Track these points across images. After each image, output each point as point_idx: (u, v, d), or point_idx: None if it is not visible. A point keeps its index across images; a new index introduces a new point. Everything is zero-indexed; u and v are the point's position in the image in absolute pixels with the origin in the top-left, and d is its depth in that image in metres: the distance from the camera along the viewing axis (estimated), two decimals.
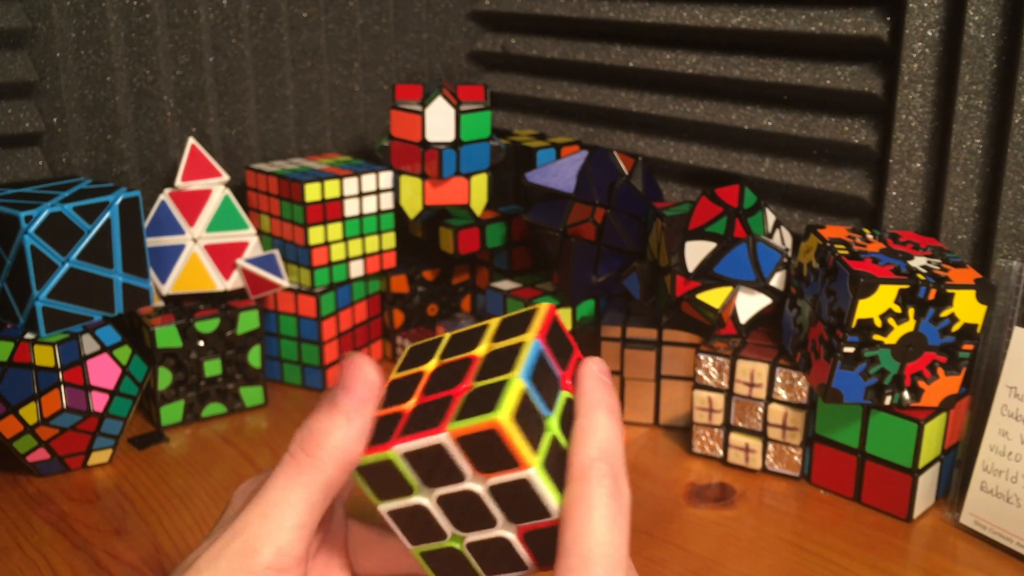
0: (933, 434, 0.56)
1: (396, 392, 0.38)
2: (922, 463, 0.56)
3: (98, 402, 0.62)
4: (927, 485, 0.57)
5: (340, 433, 0.35)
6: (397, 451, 0.34)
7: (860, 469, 0.59)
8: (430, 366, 0.38)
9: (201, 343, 0.69)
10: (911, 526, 0.57)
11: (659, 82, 0.79)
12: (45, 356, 0.59)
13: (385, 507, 0.36)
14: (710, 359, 0.62)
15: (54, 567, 0.53)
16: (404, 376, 0.39)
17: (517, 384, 0.34)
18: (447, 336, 0.40)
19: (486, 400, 0.34)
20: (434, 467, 0.34)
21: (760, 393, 0.61)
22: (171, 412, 0.69)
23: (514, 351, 0.36)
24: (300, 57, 0.81)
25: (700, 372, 0.63)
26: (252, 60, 0.78)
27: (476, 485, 0.34)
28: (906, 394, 0.56)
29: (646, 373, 0.68)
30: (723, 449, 0.64)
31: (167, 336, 0.68)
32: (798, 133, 0.69)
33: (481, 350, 0.37)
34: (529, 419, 0.34)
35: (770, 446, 0.62)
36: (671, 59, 0.76)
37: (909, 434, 0.56)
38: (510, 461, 0.33)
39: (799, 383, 0.60)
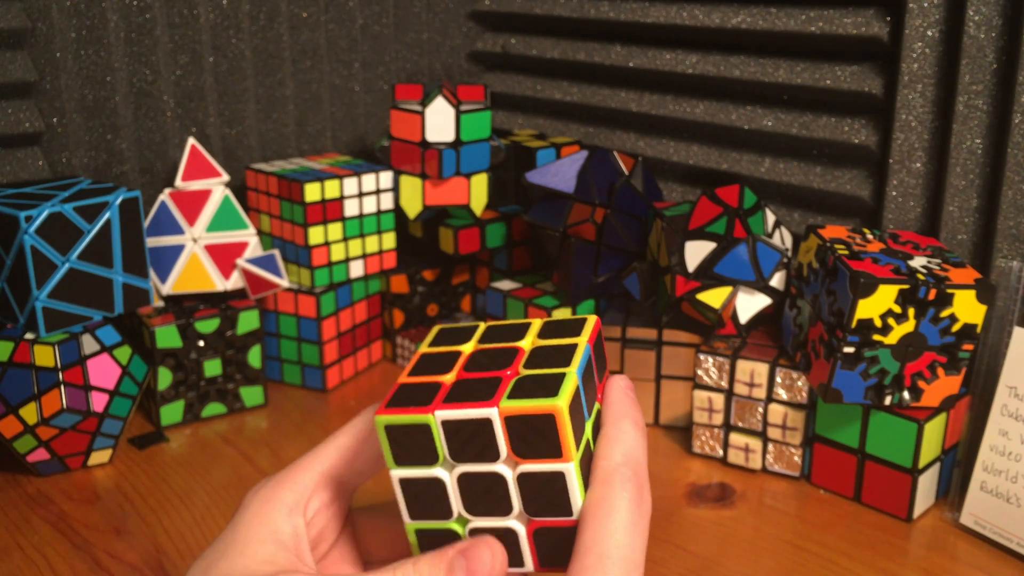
0: (933, 434, 0.56)
1: (429, 365, 0.38)
2: (922, 463, 0.56)
3: (98, 402, 0.62)
4: (927, 485, 0.57)
5: None
6: (439, 416, 0.34)
7: (860, 469, 0.59)
8: (467, 348, 0.39)
9: (201, 343, 0.69)
10: (911, 526, 0.57)
11: (659, 82, 0.79)
12: (45, 356, 0.59)
13: (400, 473, 0.36)
14: (710, 359, 0.62)
15: (54, 567, 0.53)
16: (437, 352, 0.39)
17: (574, 378, 0.34)
18: (483, 325, 0.40)
19: (543, 387, 0.34)
20: (470, 441, 0.34)
21: (760, 393, 0.61)
22: (171, 412, 0.69)
23: (568, 350, 0.36)
24: (300, 57, 0.81)
25: (700, 372, 0.63)
26: (252, 60, 0.78)
27: (507, 469, 0.34)
28: (906, 394, 0.56)
29: (646, 373, 0.68)
30: (723, 449, 0.64)
31: (167, 336, 0.68)
32: (798, 133, 0.69)
33: (527, 344, 0.38)
34: (576, 416, 0.34)
35: (770, 446, 0.62)
36: (671, 59, 0.77)
37: (909, 434, 0.56)
38: (554, 451, 0.33)
39: (799, 383, 0.60)
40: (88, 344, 0.61)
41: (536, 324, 0.39)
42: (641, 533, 0.33)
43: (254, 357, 0.71)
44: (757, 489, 0.61)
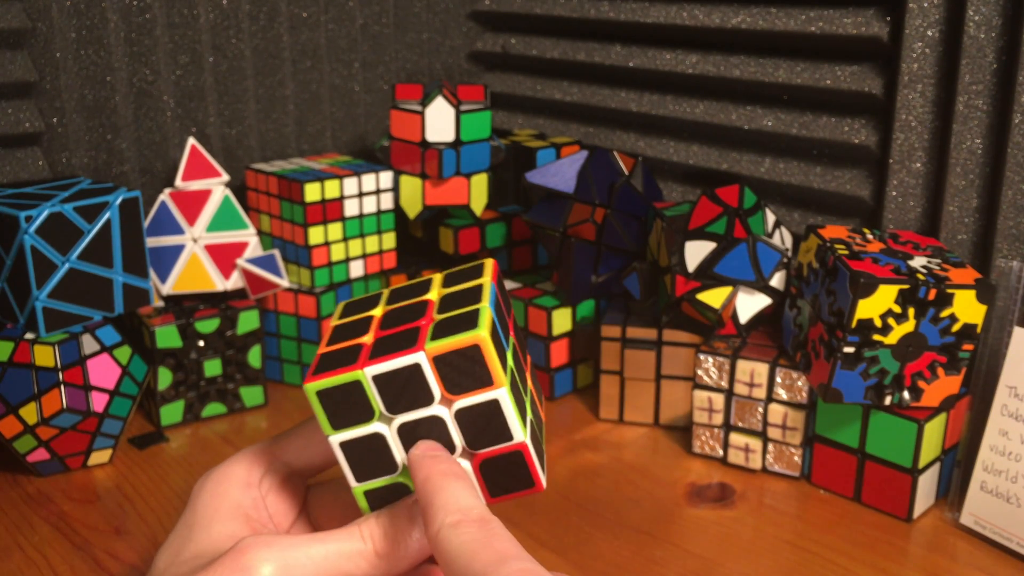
0: (933, 434, 0.56)
1: (344, 333, 0.39)
2: (922, 463, 0.56)
3: (98, 402, 0.62)
4: (927, 485, 0.57)
5: (413, 549, 0.36)
6: (368, 372, 0.35)
7: (860, 469, 0.59)
8: (377, 312, 0.40)
9: (201, 343, 0.69)
10: (911, 526, 0.57)
11: (659, 82, 0.79)
12: (45, 356, 0.59)
13: (338, 437, 0.36)
14: (710, 359, 0.62)
15: (54, 567, 0.53)
16: (349, 321, 0.40)
17: (488, 311, 0.36)
18: (386, 291, 0.41)
19: (461, 324, 0.35)
20: (403, 390, 0.35)
21: (760, 393, 0.61)
22: (171, 412, 0.69)
23: (475, 291, 0.38)
24: (300, 57, 0.81)
25: (700, 372, 0.63)
26: (252, 60, 0.78)
27: (443, 409, 0.35)
28: (906, 394, 0.56)
29: (646, 373, 0.68)
30: (723, 449, 0.64)
31: (167, 336, 0.68)
32: (798, 133, 0.69)
33: (433, 295, 0.39)
34: (497, 346, 0.35)
35: (770, 446, 0.62)
36: (671, 59, 0.77)
37: (909, 434, 0.56)
38: (485, 379, 0.35)
39: (799, 383, 0.60)
40: (88, 344, 0.61)
41: (437, 277, 0.41)
42: (508, 540, 0.32)
43: (254, 357, 0.71)
44: (757, 489, 0.61)
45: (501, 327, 0.37)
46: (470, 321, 0.35)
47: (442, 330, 0.35)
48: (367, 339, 0.37)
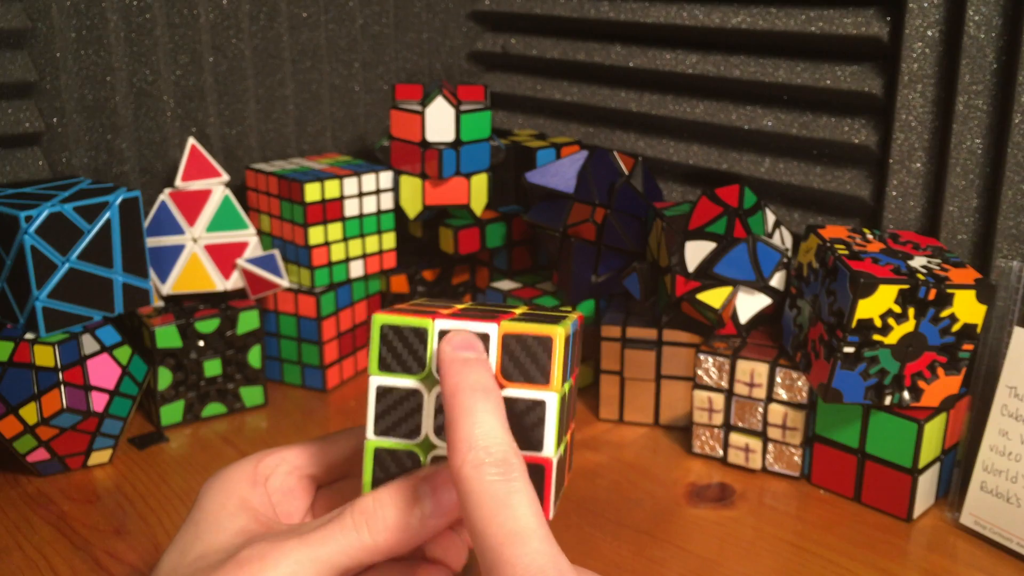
0: (933, 434, 0.56)
1: (422, 306, 0.39)
2: (922, 463, 0.56)
3: (98, 402, 0.62)
4: (927, 485, 0.57)
5: (415, 529, 0.36)
6: (439, 324, 0.35)
7: (860, 469, 0.59)
8: (459, 305, 0.40)
9: (201, 343, 0.69)
10: (911, 526, 0.57)
11: (659, 82, 0.79)
12: (45, 356, 0.59)
13: (380, 379, 0.36)
14: (710, 359, 0.62)
15: (54, 567, 0.53)
16: (428, 303, 0.40)
17: (568, 328, 0.35)
18: (470, 303, 0.42)
19: (543, 321, 0.35)
20: None
21: (760, 393, 0.61)
22: (171, 412, 0.69)
23: (560, 316, 0.38)
24: (300, 57, 0.81)
25: (700, 372, 0.63)
26: (252, 60, 0.78)
27: None
28: (906, 394, 0.56)
29: (646, 373, 0.68)
30: (723, 449, 0.64)
31: (167, 336, 0.68)
32: (798, 133, 0.69)
33: (517, 310, 0.39)
34: (564, 362, 0.35)
35: (770, 446, 0.62)
36: (671, 59, 0.77)
37: (909, 434, 0.56)
38: (543, 376, 0.34)
39: (799, 383, 0.60)
40: (88, 344, 0.61)
41: (521, 307, 0.41)
42: (525, 501, 0.32)
43: (254, 357, 0.71)
44: (757, 489, 0.61)
45: (571, 359, 0.37)
46: (552, 321, 0.35)
47: (522, 320, 0.36)
48: (444, 311, 0.37)
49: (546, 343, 0.34)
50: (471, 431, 0.32)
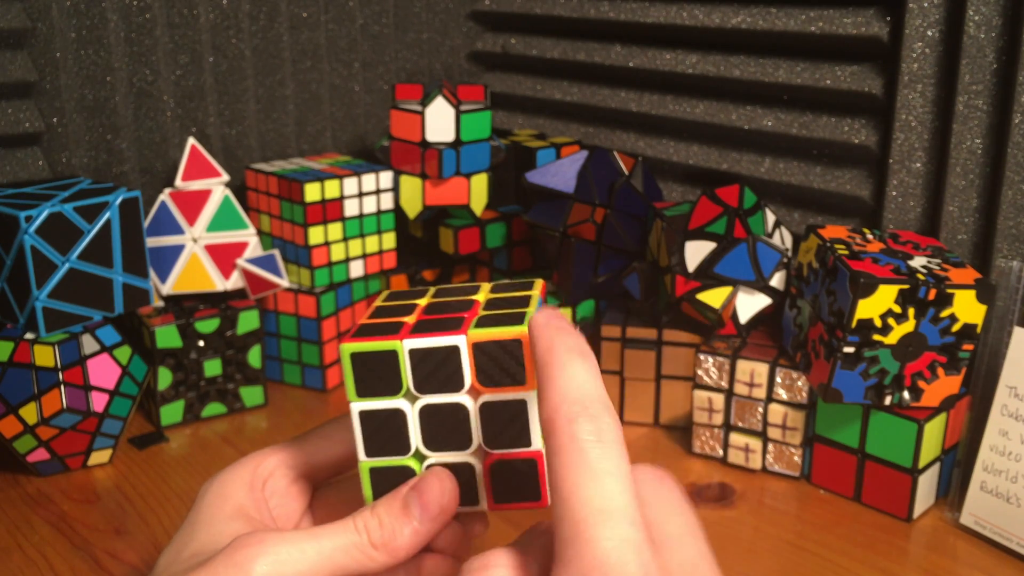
0: (933, 434, 0.56)
1: (387, 312, 0.39)
2: (922, 463, 0.56)
3: (98, 402, 0.62)
4: (927, 485, 0.57)
5: (408, 540, 0.36)
6: (407, 345, 0.35)
7: (860, 469, 0.59)
8: (423, 301, 0.40)
9: (201, 343, 0.69)
10: (911, 526, 0.57)
11: (659, 82, 0.79)
12: (45, 356, 0.59)
13: (360, 406, 0.36)
14: (710, 359, 0.62)
15: (54, 567, 0.53)
16: (393, 304, 0.40)
17: (532, 315, 0.35)
18: (432, 288, 0.42)
19: (508, 319, 0.35)
20: (436, 371, 0.35)
21: (760, 393, 0.61)
22: (171, 412, 0.69)
23: (522, 300, 0.38)
24: (300, 57, 0.81)
25: (700, 372, 0.63)
26: (252, 60, 0.78)
27: (469, 400, 0.35)
28: (906, 394, 0.56)
29: (646, 373, 0.68)
30: (723, 449, 0.64)
31: (167, 336, 0.68)
32: (798, 133, 0.69)
33: (480, 297, 0.39)
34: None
35: (770, 446, 0.62)
36: (671, 59, 0.77)
37: (909, 434, 0.56)
38: (519, 378, 0.34)
39: (799, 383, 0.60)
40: (88, 344, 0.61)
41: (486, 285, 0.41)
42: (610, 470, 0.29)
43: (254, 357, 0.71)
44: (757, 489, 0.61)
45: None
46: (516, 319, 0.35)
47: (487, 322, 0.35)
48: (410, 319, 0.37)
49: (514, 346, 0.34)
50: (567, 384, 0.30)
